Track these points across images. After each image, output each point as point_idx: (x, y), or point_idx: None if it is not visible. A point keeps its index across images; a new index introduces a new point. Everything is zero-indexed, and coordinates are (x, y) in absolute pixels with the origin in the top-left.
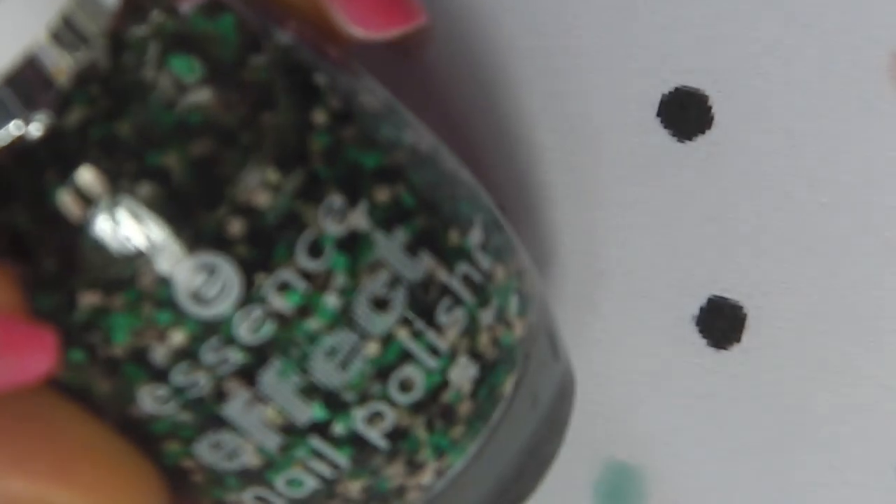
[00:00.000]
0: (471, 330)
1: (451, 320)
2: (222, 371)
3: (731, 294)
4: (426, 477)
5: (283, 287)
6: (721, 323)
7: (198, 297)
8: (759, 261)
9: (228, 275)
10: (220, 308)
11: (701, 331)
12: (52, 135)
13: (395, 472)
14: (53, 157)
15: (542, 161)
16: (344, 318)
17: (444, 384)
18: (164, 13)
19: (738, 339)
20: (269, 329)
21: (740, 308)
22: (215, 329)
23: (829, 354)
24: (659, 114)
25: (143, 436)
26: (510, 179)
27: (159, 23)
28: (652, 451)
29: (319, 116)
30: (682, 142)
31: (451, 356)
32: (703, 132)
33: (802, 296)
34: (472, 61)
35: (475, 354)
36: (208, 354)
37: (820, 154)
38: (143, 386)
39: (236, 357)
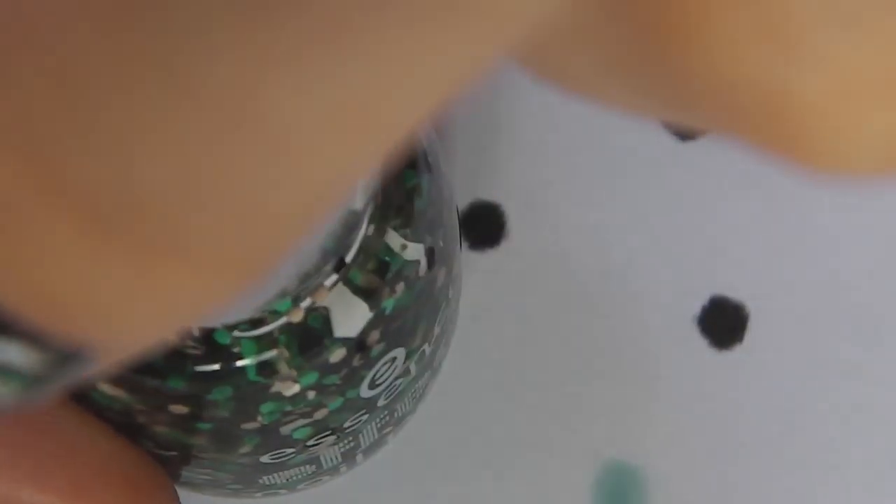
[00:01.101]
0: None
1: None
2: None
3: (733, 294)
4: None
5: (421, 357)
6: (723, 323)
7: (374, 384)
8: (761, 260)
9: (400, 361)
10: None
11: (702, 331)
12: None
13: None
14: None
15: (542, 160)
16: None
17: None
18: None
19: (739, 340)
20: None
21: (742, 308)
22: (366, 404)
23: (829, 354)
24: None
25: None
26: (511, 179)
27: None
28: (652, 451)
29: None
30: (684, 141)
31: None
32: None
33: (803, 296)
34: None
35: None
36: (349, 422)
37: None
38: (259, 451)
39: (364, 417)
